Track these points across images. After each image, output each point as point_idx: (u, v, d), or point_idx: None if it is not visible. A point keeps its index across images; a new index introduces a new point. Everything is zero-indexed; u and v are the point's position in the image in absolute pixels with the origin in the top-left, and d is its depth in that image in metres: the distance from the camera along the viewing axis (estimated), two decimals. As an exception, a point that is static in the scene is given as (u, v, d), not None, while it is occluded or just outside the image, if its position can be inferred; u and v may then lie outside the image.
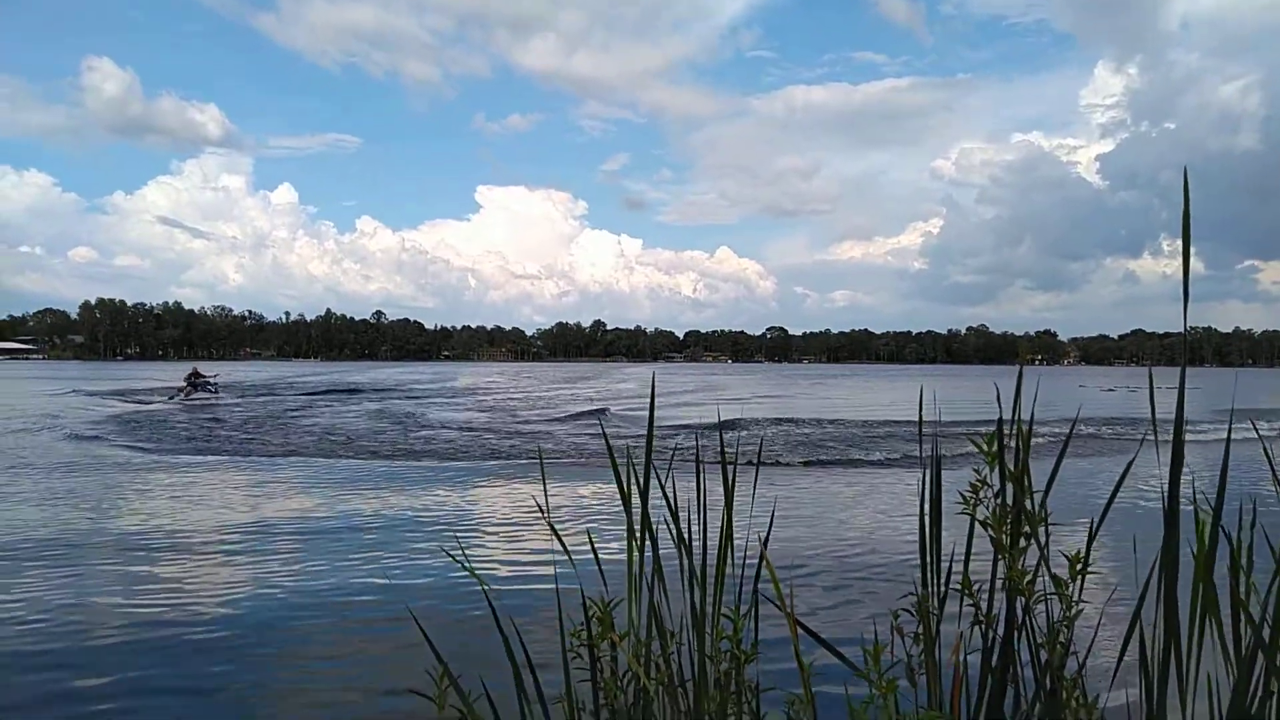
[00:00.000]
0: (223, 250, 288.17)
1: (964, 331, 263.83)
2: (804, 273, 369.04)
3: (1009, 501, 2.11)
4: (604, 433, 2.54)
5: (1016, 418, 2.16)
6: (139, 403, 36.09)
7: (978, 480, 2.14)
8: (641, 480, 2.25)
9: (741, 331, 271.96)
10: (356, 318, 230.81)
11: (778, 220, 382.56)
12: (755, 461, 14.14)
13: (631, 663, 1.94)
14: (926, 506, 2.31)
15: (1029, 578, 2.03)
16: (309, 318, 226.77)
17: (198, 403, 34.96)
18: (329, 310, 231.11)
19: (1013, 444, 2.13)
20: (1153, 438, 1.99)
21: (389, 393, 47.62)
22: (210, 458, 17.61)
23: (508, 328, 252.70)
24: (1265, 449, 2.39)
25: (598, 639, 2.03)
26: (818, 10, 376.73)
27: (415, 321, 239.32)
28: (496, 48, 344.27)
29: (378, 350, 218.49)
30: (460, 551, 8.12)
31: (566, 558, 2.21)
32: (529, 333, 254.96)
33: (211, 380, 38.51)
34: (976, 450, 2.11)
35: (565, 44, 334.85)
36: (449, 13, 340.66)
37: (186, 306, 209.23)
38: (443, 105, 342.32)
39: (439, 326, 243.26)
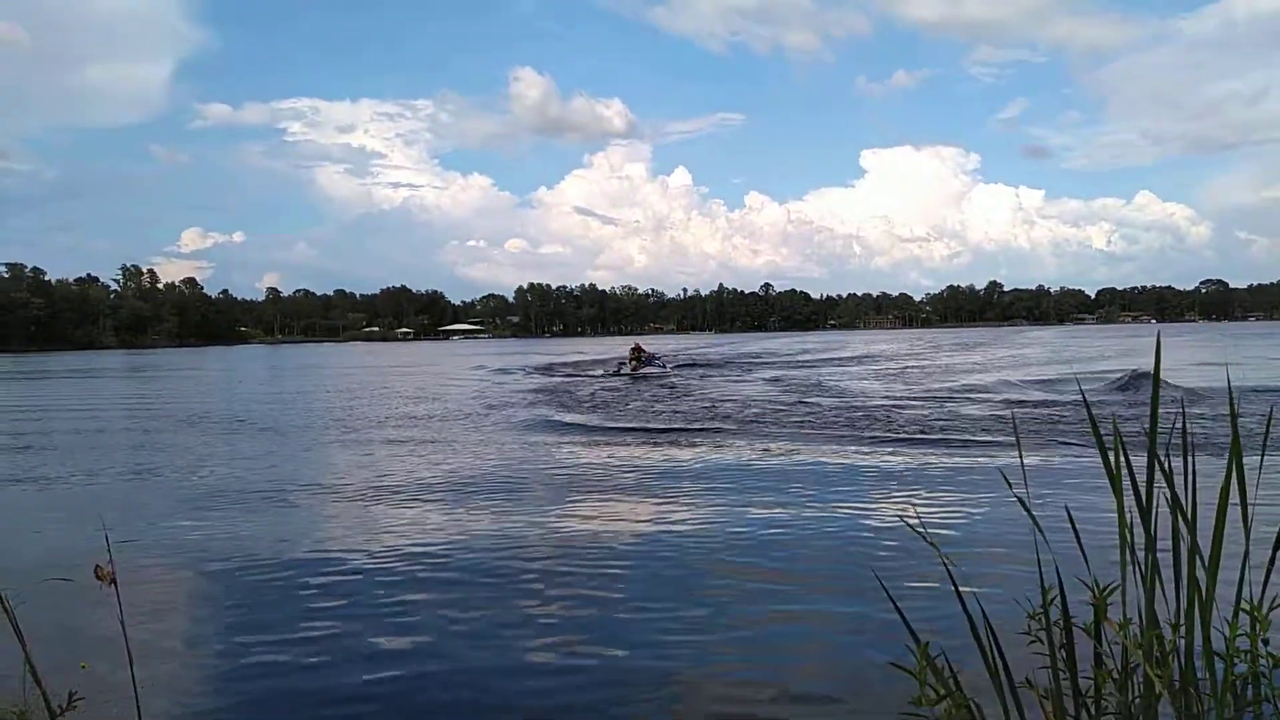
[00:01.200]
0: (628, 234, 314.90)
1: None
2: (1249, 214, 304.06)
3: None
4: (1085, 400, 2.29)
5: None
6: (584, 375, 40.80)
7: None
8: (1125, 453, 2.00)
9: (1168, 287, 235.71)
10: (746, 291, 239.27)
11: (1213, 156, 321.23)
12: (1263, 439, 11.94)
13: (1134, 652, 1.72)
14: None
15: None
16: (703, 293, 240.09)
17: (642, 375, 38.39)
18: (721, 285, 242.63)
19: None
20: None
21: (781, 362, 48.74)
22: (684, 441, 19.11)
23: (894, 294, 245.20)
24: None
25: (1086, 625, 1.84)
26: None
27: (801, 292, 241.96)
28: (878, 4, 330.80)
29: (766, 321, 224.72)
30: (916, 520, 7.47)
31: (1038, 531, 2.03)
32: (917, 298, 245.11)
33: (658, 355, 42.41)
34: None
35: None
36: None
37: (600, 287, 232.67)
38: (823, 72, 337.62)
39: (824, 296, 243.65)
